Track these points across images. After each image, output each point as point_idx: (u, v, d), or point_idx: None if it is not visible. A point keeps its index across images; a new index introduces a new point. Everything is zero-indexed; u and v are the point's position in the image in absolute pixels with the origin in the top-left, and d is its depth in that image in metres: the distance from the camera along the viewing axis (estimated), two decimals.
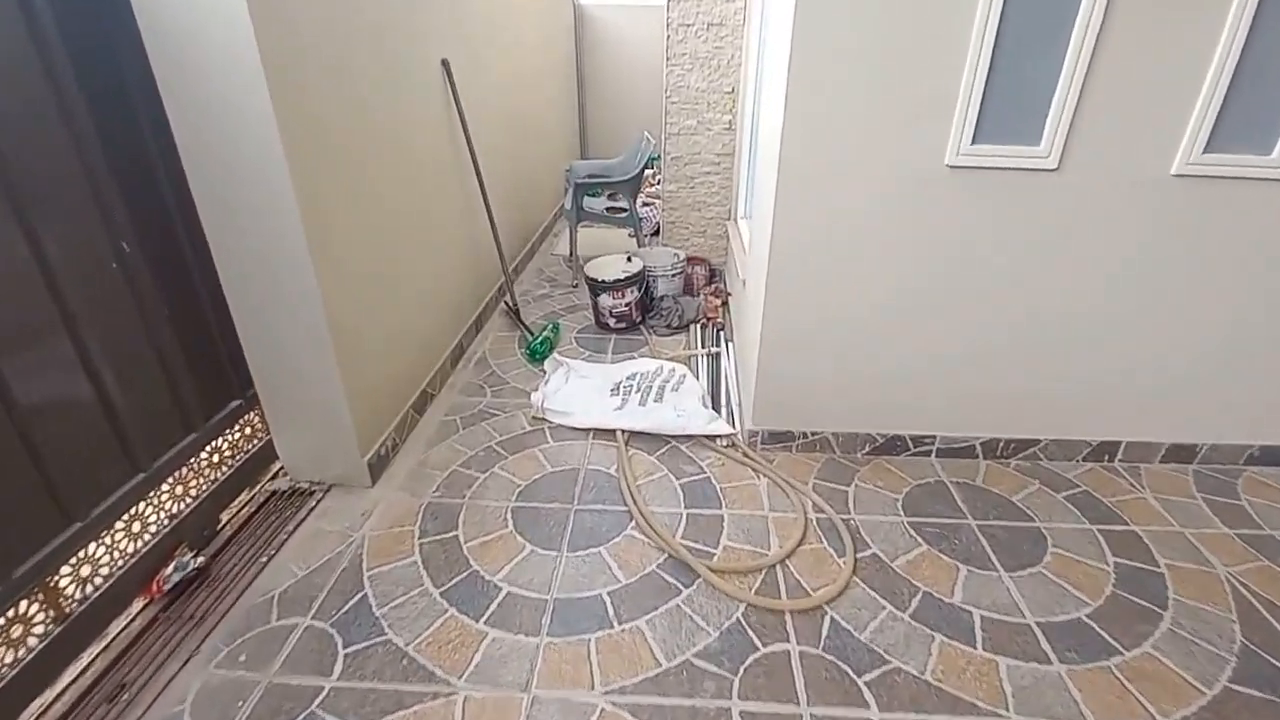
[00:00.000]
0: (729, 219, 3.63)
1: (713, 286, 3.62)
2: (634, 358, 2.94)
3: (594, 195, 4.23)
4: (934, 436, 2.13)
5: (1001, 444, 2.13)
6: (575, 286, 3.86)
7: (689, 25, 3.20)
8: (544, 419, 2.43)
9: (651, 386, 2.56)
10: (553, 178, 5.11)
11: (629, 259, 3.35)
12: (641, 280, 3.18)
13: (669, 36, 3.23)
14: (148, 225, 1.60)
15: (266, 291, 1.73)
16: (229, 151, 1.55)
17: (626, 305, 3.14)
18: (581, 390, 2.58)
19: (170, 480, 1.71)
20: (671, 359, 2.87)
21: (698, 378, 2.71)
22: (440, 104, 2.62)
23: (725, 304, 3.45)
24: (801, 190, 1.76)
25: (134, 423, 1.58)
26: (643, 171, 3.65)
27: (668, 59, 3.29)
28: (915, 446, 2.15)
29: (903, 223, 1.78)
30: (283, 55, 1.54)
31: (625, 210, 3.90)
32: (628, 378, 2.65)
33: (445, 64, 2.63)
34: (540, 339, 2.94)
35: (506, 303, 3.37)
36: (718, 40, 3.22)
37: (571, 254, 3.97)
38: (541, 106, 4.57)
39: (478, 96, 3.07)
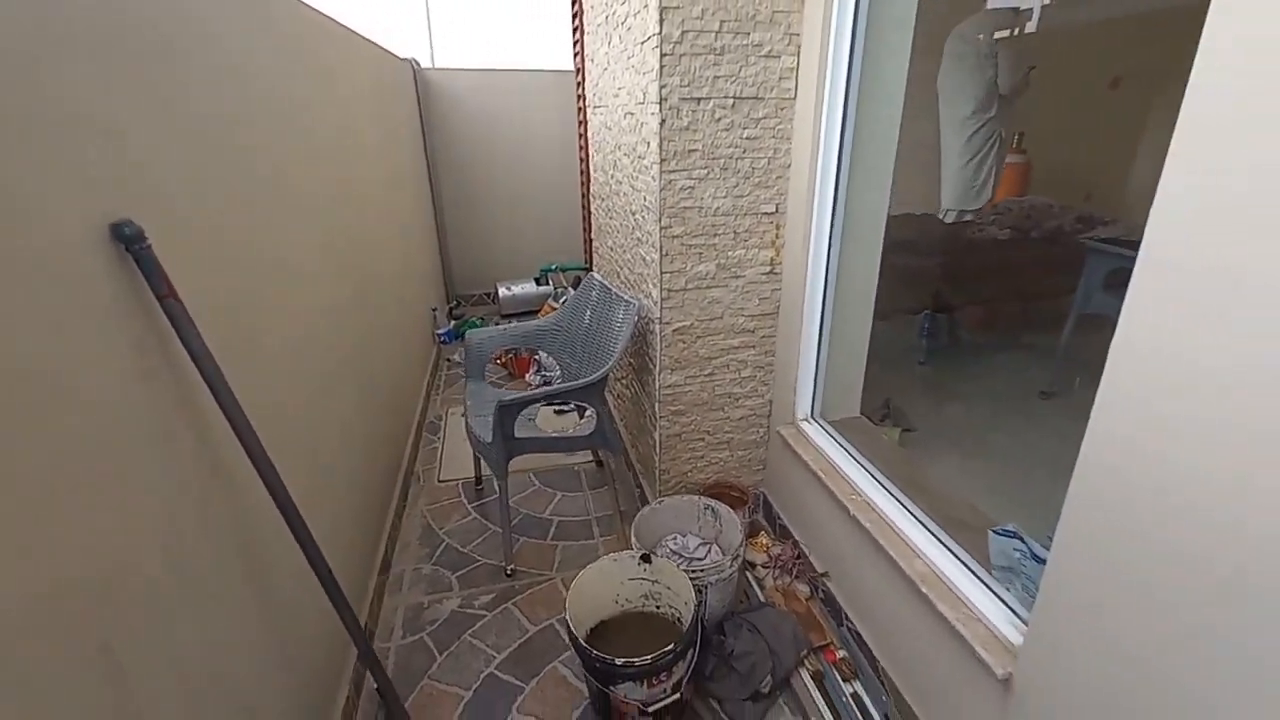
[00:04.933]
0: (772, 418, 2.08)
1: (767, 547, 2.01)
2: None
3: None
4: None
5: None
6: (511, 575, 2.04)
7: (699, 100, 1.68)
8: None
9: None
10: (417, 355, 3.24)
11: (643, 559, 1.63)
12: (696, 636, 1.47)
13: (663, 122, 1.68)
14: None
15: None
16: None
17: (674, 689, 1.41)
18: None
19: None
20: None
21: None
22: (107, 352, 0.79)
23: (815, 593, 1.86)
24: None
25: None
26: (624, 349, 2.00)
27: (661, 162, 1.73)
28: None
29: None
30: None
31: (592, 414, 2.21)
32: None
33: (120, 233, 0.81)
34: None
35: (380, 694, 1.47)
36: (751, 126, 1.74)
37: (501, 509, 2.19)
38: (396, 242, 2.74)
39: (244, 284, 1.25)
